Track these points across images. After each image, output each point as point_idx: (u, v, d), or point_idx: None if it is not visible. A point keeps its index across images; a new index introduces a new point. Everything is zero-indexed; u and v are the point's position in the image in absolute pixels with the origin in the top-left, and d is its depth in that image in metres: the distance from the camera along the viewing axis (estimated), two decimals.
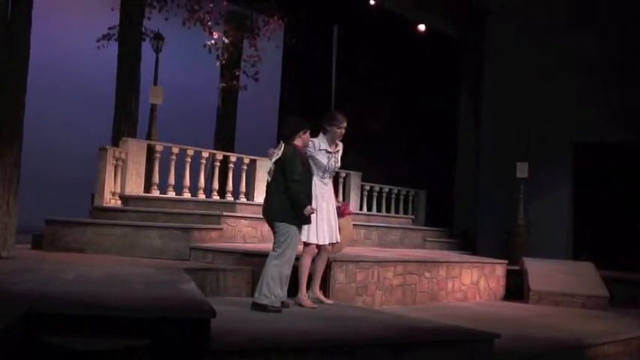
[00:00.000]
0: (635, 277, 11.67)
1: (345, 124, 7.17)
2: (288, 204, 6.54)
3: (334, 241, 7.26)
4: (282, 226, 6.57)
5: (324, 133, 7.18)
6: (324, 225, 7.05)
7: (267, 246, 10.19)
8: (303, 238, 6.96)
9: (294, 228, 6.60)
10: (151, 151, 11.97)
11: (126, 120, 13.08)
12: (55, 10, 16.09)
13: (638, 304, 10.77)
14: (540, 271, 11.18)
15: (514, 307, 10.04)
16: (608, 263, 11.88)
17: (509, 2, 15.08)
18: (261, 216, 10.92)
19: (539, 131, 14.14)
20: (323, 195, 7.11)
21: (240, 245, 9.96)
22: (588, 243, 13.62)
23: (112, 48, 13.65)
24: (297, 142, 6.77)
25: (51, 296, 4.12)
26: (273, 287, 6.42)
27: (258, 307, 6.39)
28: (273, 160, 6.68)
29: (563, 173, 14.15)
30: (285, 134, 6.86)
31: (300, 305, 6.93)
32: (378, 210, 15.59)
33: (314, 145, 7.06)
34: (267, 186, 6.90)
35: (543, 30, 14.41)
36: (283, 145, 6.70)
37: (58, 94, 16.63)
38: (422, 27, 16.88)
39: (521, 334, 7.15)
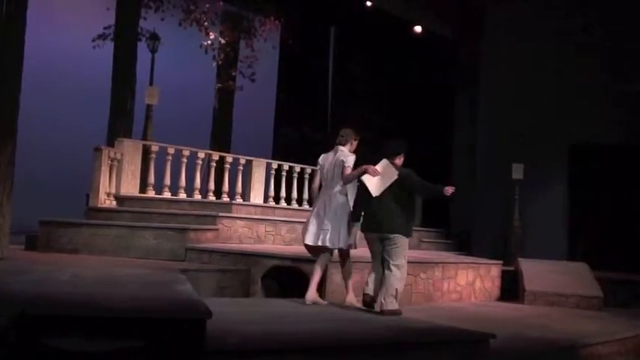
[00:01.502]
0: (629, 277, 11.70)
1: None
2: (406, 218, 7.22)
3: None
4: (399, 239, 7.14)
5: (344, 145, 7.52)
6: None
7: (263, 247, 10.24)
8: (342, 245, 7.29)
9: (407, 240, 7.25)
10: (146, 152, 11.94)
11: (121, 120, 13.04)
12: (50, 10, 16.04)
13: (632, 305, 10.80)
14: (535, 272, 11.21)
15: (509, 308, 10.06)
16: (603, 264, 11.91)
17: (505, 2, 15.10)
18: (256, 216, 11.12)
19: (535, 132, 14.17)
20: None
21: (236, 246, 9.95)
22: (583, 244, 13.64)
23: (108, 47, 13.62)
24: (397, 161, 7.35)
25: (45, 297, 4.10)
26: (399, 292, 7.08)
27: (391, 312, 6.89)
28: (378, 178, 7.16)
29: (558, 174, 14.18)
30: (388, 154, 7.35)
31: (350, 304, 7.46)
32: None
33: (350, 159, 7.35)
34: (376, 200, 7.20)
35: (539, 30, 14.44)
36: (387, 164, 7.22)
37: (54, 93, 16.59)
38: (418, 28, 16.89)
39: (517, 334, 7.17)
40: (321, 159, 7.64)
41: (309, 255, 7.72)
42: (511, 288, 11.15)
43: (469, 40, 16.16)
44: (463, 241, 14.92)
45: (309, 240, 7.36)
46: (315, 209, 7.45)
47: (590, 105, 13.87)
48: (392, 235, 7.12)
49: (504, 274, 11.29)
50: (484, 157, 14.94)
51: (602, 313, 9.97)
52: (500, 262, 11.48)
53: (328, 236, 7.23)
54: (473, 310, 9.28)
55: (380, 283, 7.20)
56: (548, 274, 11.16)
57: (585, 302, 10.51)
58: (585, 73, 13.95)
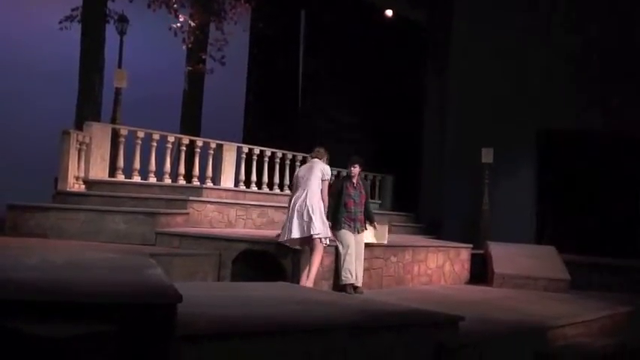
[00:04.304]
0: (595, 260, 11.87)
1: None
2: None
3: None
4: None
5: (320, 159, 8.70)
6: None
7: (234, 231, 10.22)
8: (323, 234, 8.18)
9: None
10: (115, 136, 11.80)
11: (90, 103, 12.89)
12: None
13: (598, 287, 10.97)
14: (504, 255, 11.33)
15: (478, 291, 10.17)
16: (570, 247, 12.07)
17: None
18: (227, 200, 11.13)
19: (505, 117, 14.25)
20: None
21: (206, 230, 9.93)
22: (551, 227, 13.80)
23: (76, 29, 13.43)
24: (355, 170, 9.15)
25: (13, 282, 4.06)
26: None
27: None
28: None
29: (527, 159, 14.29)
30: (349, 162, 9.23)
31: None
32: None
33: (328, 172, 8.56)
34: (353, 206, 8.88)
35: (509, 17, 14.49)
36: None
37: (21, 75, 16.34)
38: (389, 12, 16.89)
39: (486, 316, 7.25)
40: (300, 172, 8.68)
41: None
42: (480, 271, 11.27)
43: (440, 25, 16.18)
44: (433, 224, 15.01)
45: (296, 234, 8.04)
46: (296, 207, 8.13)
47: (559, 91, 14.00)
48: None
49: (474, 258, 11.40)
50: (454, 141, 15.00)
51: (570, 296, 10.12)
52: (470, 245, 11.59)
53: (313, 225, 8.00)
54: (443, 293, 9.37)
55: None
56: (516, 257, 11.30)
57: (553, 285, 10.66)
58: (555, 59, 14.06)
